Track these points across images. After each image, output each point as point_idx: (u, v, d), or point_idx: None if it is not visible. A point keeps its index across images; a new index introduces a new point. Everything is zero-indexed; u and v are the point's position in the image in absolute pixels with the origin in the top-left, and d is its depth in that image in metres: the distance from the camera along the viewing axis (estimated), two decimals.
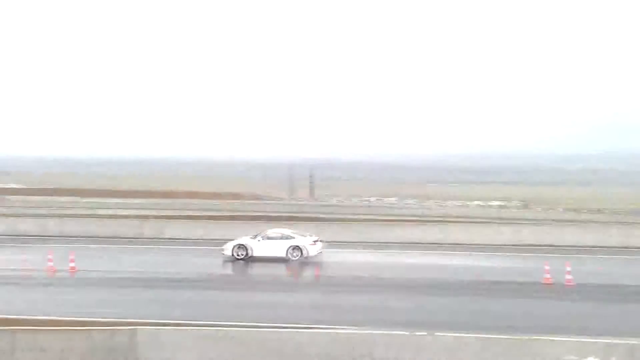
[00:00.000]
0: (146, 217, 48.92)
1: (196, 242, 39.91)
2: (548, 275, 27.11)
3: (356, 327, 18.19)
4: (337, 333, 16.83)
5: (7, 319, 19.68)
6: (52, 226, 43.74)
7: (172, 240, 40.51)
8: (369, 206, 79.09)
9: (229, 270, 32.69)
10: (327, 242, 34.55)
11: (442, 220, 51.43)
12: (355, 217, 55.25)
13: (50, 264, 30.20)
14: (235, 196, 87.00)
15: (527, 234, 39.82)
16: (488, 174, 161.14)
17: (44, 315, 21.27)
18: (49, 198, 78.46)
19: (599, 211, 70.91)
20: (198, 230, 42.24)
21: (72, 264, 30.40)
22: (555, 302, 24.37)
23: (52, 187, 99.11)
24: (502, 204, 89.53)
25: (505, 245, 37.61)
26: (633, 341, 15.77)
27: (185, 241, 40.13)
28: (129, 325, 17.22)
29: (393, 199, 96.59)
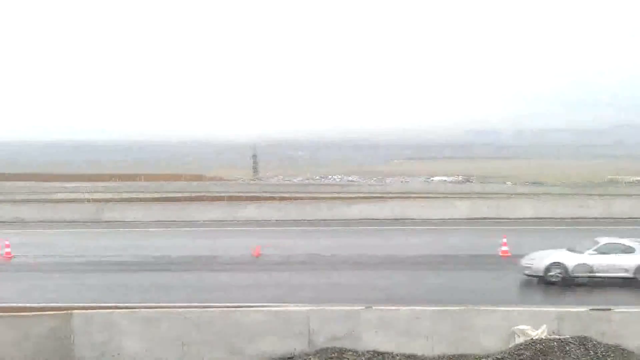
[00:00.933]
0: (106, 200, 47.92)
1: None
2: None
3: (294, 304, 18.16)
4: (276, 311, 16.56)
5: None
6: None
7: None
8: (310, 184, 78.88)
9: None
10: None
11: (382, 196, 51.48)
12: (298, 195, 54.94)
13: (7, 249, 29.64)
14: (177, 177, 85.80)
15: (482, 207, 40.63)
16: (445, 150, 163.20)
17: None
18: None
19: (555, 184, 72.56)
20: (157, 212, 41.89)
21: (7, 249, 29.53)
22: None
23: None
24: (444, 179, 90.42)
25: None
26: (582, 309, 15.72)
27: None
28: (63, 310, 16.50)
29: (337, 176, 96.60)
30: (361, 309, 16.01)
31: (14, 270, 27.14)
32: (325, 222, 38.59)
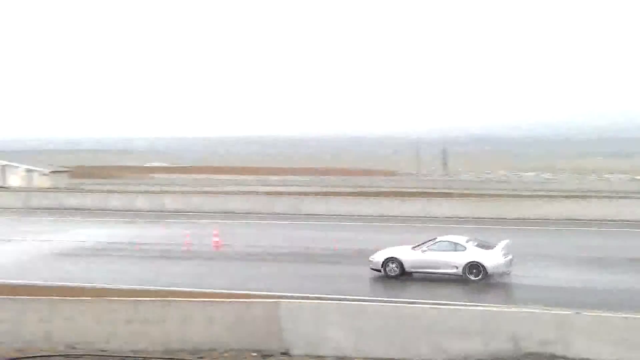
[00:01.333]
0: (280, 193, 49.88)
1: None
2: None
3: (496, 305, 17.84)
4: (482, 310, 16.30)
5: (158, 291, 20.21)
6: (195, 202, 45.34)
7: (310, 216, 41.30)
8: (505, 181, 76.91)
9: None
10: None
11: (582, 195, 49.06)
12: (488, 192, 53.71)
13: (216, 239, 30.99)
14: (366, 172, 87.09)
15: None
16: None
17: (190, 287, 21.86)
18: (192, 176, 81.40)
19: None
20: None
21: (215, 239, 31.05)
22: None
23: (195, 165, 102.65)
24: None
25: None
26: None
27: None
28: (272, 299, 17.29)
29: (532, 173, 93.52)
30: (570, 314, 15.32)
31: (223, 258, 28.41)
32: (524, 222, 37.23)
